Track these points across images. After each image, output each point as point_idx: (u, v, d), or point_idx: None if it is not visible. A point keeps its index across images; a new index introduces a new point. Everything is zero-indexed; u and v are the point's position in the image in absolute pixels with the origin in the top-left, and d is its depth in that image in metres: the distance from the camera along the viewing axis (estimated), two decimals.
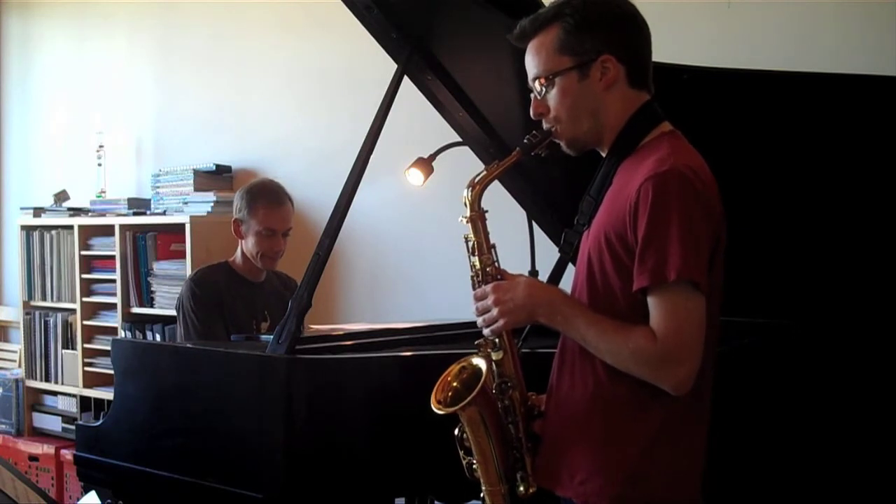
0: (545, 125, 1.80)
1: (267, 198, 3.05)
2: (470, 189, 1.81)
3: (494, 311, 1.74)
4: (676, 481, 1.70)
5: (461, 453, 1.83)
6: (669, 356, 1.60)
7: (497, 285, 1.77)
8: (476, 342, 1.81)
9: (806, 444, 2.29)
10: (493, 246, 1.83)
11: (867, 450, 2.31)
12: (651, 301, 1.63)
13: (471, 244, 1.83)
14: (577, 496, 1.72)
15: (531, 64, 1.78)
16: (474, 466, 1.82)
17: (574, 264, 1.85)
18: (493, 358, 1.79)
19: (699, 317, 1.62)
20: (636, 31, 1.77)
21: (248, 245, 3.06)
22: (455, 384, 1.82)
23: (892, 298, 2.43)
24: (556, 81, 1.75)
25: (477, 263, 1.82)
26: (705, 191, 1.65)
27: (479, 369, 1.78)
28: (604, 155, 1.81)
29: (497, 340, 1.79)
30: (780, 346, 2.50)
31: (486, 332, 1.78)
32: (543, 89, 1.77)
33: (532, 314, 1.74)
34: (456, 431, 1.83)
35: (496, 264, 1.82)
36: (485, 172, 1.83)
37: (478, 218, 1.82)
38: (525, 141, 1.80)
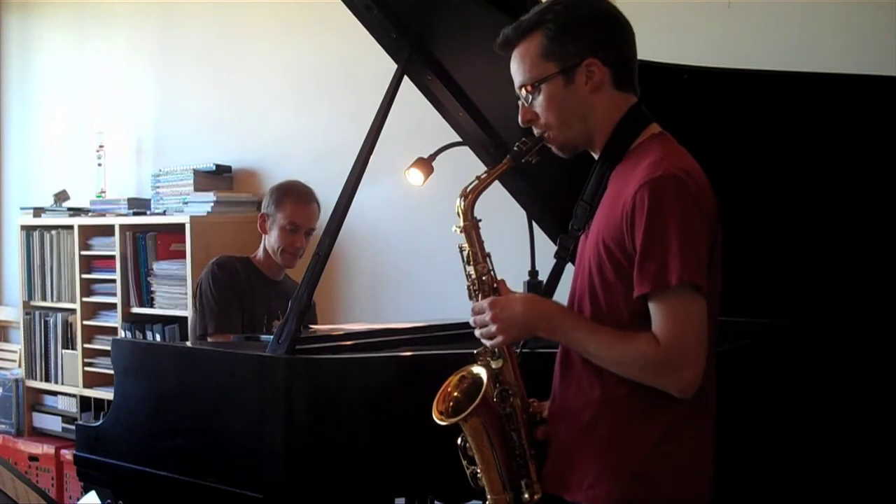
0: (536, 131, 1.80)
1: (295, 195, 3.12)
2: (462, 199, 1.81)
3: (493, 328, 1.73)
4: (684, 482, 1.71)
5: (464, 463, 1.83)
6: (674, 361, 1.61)
7: (494, 301, 1.76)
8: (475, 351, 1.81)
9: (807, 444, 2.29)
10: (489, 255, 1.83)
11: (868, 450, 2.31)
12: (653, 306, 1.63)
13: (465, 254, 1.83)
14: (586, 500, 1.72)
15: (517, 72, 1.78)
16: (478, 475, 1.81)
17: (573, 264, 1.85)
18: (493, 366, 1.79)
19: (701, 320, 1.62)
20: (619, 33, 1.77)
21: (270, 240, 3.11)
22: (456, 394, 1.82)
23: (892, 298, 2.43)
24: (543, 88, 1.75)
25: (473, 273, 1.82)
26: (700, 192, 1.65)
27: (480, 378, 1.78)
28: (595, 157, 1.81)
29: (496, 349, 1.79)
30: (780, 346, 2.49)
31: (486, 343, 1.77)
32: (530, 96, 1.77)
33: (532, 330, 1.74)
34: (459, 441, 1.82)
35: (492, 273, 1.82)
36: (476, 182, 1.82)
37: (471, 227, 1.82)
38: (515, 148, 1.80)
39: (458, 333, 2.72)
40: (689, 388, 1.63)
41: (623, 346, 1.64)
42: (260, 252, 3.16)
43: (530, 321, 1.73)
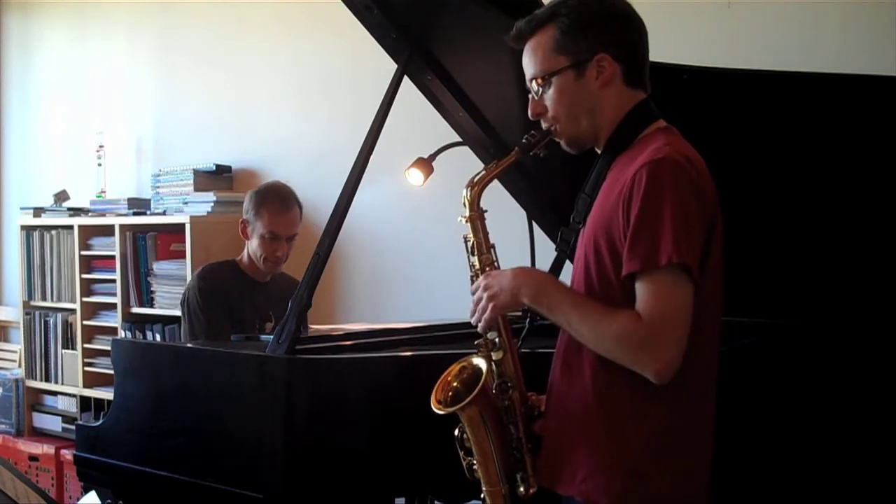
0: (544, 125, 1.81)
1: (274, 202, 3.05)
2: (469, 189, 1.82)
3: (483, 298, 1.75)
4: (680, 478, 1.70)
5: (461, 454, 1.83)
6: (652, 340, 1.59)
7: (487, 273, 1.78)
8: (476, 342, 1.82)
9: (808, 444, 2.29)
10: (493, 246, 1.83)
11: (869, 450, 2.31)
12: (639, 285, 1.62)
13: (470, 244, 1.84)
14: (579, 494, 1.71)
15: (528, 64, 1.79)
16: (475, 467, 1.82)
17: (571, 261, 1.85)
18: (494, 358, 1.80)
19: (686, 303, 1.61)
20: (632, 30, 1.77)
21: (252, 247, 3.07)
22: (455, 384, 1.82)
23: (892, 298, 2.43)
24: (553, 81, 1.75)
25: (476, 263, 1.83)
26: (699, 180, 1.66)
27: (480, 369, 1.79)
28: (600, 153, 1.82)
29: (497, 340, 1.79)
30: (781, 346, 2.49)
31: (480, 327, 1.78)
32: (541, 89, 1.78)
33: (516, 295, 1.73)
34: (456, 432, 1.83)
35: (496, 264, 1.83)
36: (484, 172, 1.84)
37: (477, 218, 1.83)
38: (524, 140, 1.81)
39: (458, 333, 2.72)
40: (666, 371, 1.60)
41: (605, 321, 1.63)
42: (245, 256, 3.11)
43: (516, 286, 1.72)
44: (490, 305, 1.74)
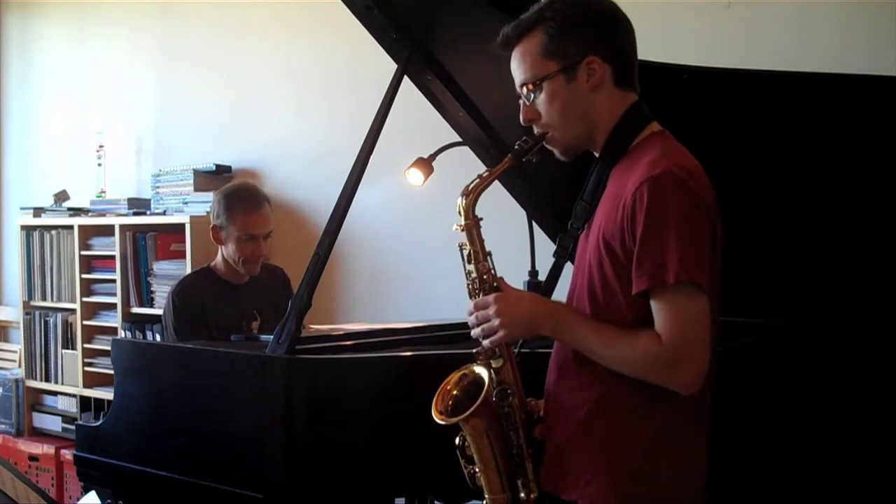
0: (537, 130, 1.80)
1: (244, 203, 3.01)
2: (464, 197, 1.81)
3: (496, 322, 1.73)
4: (681, 480, 1.71)
5: (462, 462, 1.83)
6: (677, 358, 1.60)
7: (499, 296, 1.75)
8: (475, 350, 1.80)
9: (807, 444, 2.29)
10: (489, 254, 1.82)
11: (868, 449, 2.31)
12: (654, 305, 1.62)
13: (466, 252, 1.82)
14: (582, 498, 1.72)
15: (517, 71, 1.78)
16: (477, 475, 1.82)
17: (573, 262, 1.85)
18: (493, 365, 1.79)
19: (703, 317, 1.62)
20: (620, 30, 1.76)
21: (228, 251, 3.03)
22: (455, 392, 1.81)
23: (892, 298, 2.43)
24: (544, 86, 1.74)
25: (473, 272, 1.81)
26: (699, 190, 1.65)
27: (480, 377, 1.78)
28: (596, 155, 1.81)
29: (496, 349, 1.78)
30: (781, 346, 2.49)
31: (485, 343, 1.76)
32: (532, 95, 1.76)
33: (535, 327, 1.73)
34: (457, 440, 1.82)
35: (493, 272, 1.81)
36: (478, 180, 1.82)
37: (473, 226, 1.81)
38: (516, 147, 1.80)
39: (458, 333, 2.72)
40: (693, 385, 1.62)
41: (626, 345, 1.64)
42: (220, 261, 3.07)
43: (535, 318, 1.73)
44: (503, 332, 1.73)
